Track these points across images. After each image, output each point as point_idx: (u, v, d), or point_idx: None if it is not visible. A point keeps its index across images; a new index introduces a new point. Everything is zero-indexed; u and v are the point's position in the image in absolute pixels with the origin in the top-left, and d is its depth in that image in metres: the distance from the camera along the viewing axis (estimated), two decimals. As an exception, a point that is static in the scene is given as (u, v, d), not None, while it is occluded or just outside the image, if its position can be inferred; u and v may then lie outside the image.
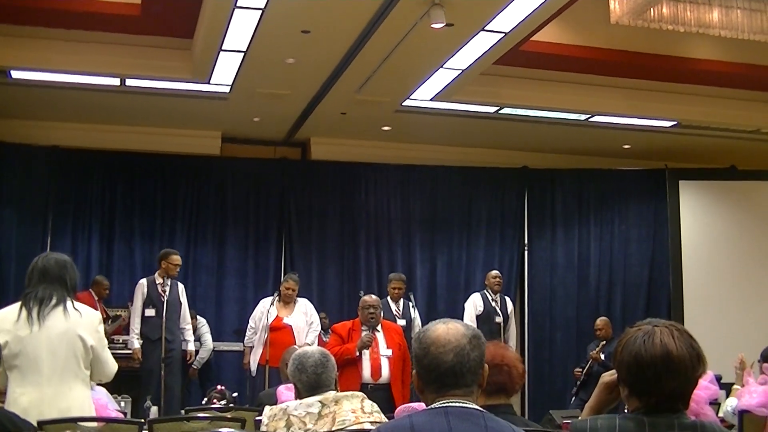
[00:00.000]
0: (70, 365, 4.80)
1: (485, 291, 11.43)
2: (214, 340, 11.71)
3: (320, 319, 10.82)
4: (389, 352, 8.85)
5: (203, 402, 9.40)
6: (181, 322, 10.22)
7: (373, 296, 9.16)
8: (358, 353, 8.56)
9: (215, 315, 12.16)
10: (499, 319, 11.14)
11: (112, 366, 5.03)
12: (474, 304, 11.32)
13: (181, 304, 10.21)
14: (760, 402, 6.24)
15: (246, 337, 10.41)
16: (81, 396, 4.86)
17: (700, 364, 2.69)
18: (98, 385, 5.76)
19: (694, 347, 2.70)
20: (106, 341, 5.04)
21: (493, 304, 11.29)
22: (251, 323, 10.31)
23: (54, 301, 4.85)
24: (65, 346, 4.79)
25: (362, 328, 8.74)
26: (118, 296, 11.60)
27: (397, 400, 8.61)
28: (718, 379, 6.81)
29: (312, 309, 10.38)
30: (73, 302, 4.92)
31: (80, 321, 4.87)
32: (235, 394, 9.73)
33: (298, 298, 10.30)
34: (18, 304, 4.88)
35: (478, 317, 11.00)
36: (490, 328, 10.67)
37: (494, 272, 11.61)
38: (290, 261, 12.96)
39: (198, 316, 11.66)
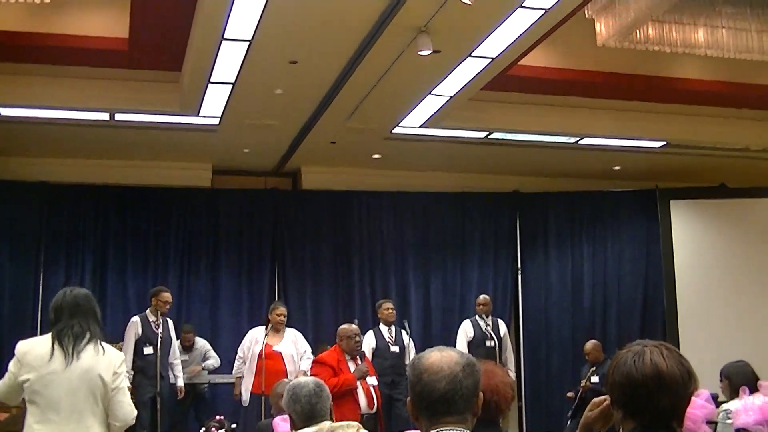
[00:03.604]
0: (89, 405, 4.77)
1: (475, 317, 11.44)
2: (209, 373, 11.69)
3: (323, 349, 10.83)
4: (375, 381, 8.90)
5: (201, 432, 9.42)
6: (170, 357, 10.35)
7: (353, 325, 9.17)
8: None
9: (210, 345, 12.11)
10: (491, 343, 11.13)
11: (129, 409, 4.94)
12: (465, 331, 11.35)
13: (171, 340, 10.34)
14: (757, 419, 6.22)
15: (235, 368, 10.48)
16: None
17: (691, 380, 2.70)
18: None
19: (684, 364, 2.71)
20: (125, 383, 4.99)
21: (484, 328, 11.29)
22: (239, 353, 10.40)
23: (88, 336, 4.83)
24: (85, 385, 4.75)
25: (346, 358, 8.77)
26: (113, 330, 11.56)
27: (382, 427, 8.68)
28: (714, 398, 6.79)
29: (302, 337, 10.45)
30: (102, 341, 4.90)
31: (102, 361, 4.84)
32: (234, 426, 9.70)
33: (287, 328, 10.34)
34: (47, 338, 4.82)
35: (469, 343, 10.99)
36: (484, 353, 10.66)
37: (482, 297, 11.64)
38: (284, 290, 12.96)
39: (197, 337, 11.71)
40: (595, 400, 3.02)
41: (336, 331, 12.31)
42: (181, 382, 10.54)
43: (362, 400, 8.66)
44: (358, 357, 8.90)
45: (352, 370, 8.72)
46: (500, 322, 11.61)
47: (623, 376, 2.71)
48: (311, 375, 8.54)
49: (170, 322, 10.43)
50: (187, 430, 11.11)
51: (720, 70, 10.37)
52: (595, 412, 3.02)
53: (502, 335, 11.40)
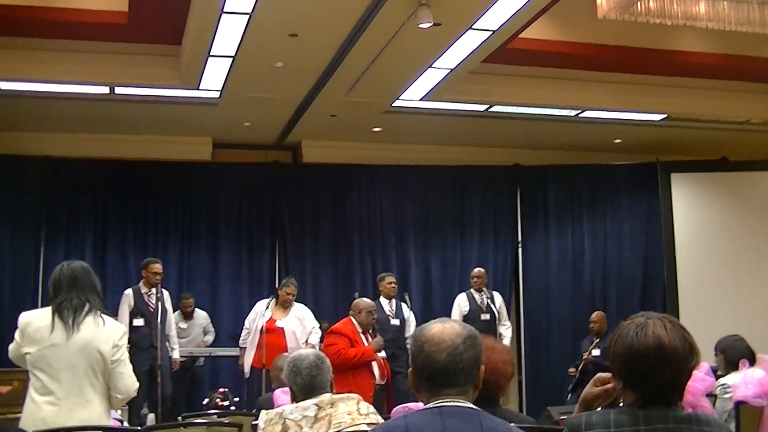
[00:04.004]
0: (89, 378, 4.81)
1: (470, 290, 11.43)
2: (209, 346, 11.73)
3: (321, 326, 10.90)
4: (383, 354, 9.07)
5: (204, 403, 9.49)
6: (166, 328, 10.26)
7: (367, 299, 9.33)
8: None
9: (210, 321, 12.11)
10: (485, 317, 11.10)
11: (130, 381, 4.98)
12: (459, 305, 11.33)
13: (167, 311, 10.25)
14: (756, 393, 6.24)
15: (240, 338, 10.55)
16: (99, 408, 4.86)
17: (692, 354, 2.71)
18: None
19: (687, 338, 2.72)
20: (126, 356, 5.00)
21: (479, 302, 11.27)
22: (246, 324, 10.46)
23: (87, 307, 4.86)
24: (85, 358, 4.79)
25: (359, 330, 8.96)
26: (113, 306, 11.58)
27: (390, 398, 8.84)
28: (714, 371, 6.81)
29: (309, 314, 10.43)
30: (101, 312, 4.93)
31: (102, 333, 4.87)
32: (236, 399, 9.77)
33: (295, 303, 10.36)
34: (48, 311, 4.86)
35: (464, 317, 10.97)
36: (480, 327, 10.61)
37: (476, 270, 11.60)
38: (284, 265, 12.96)
39: (199, 310, 11.78)
40: (600, 375, 3.02)
41: (335, 305, 12.53)
42: (176, 354, 10.48)
43: (377, 372, 8.91)
44: (369, 331, 9.09)
45: (365, 344, 8.97)
46: (495, 294, 11.56)
47: (625, 348, 2.71)
48: (327, 344, 8.68)
49: (166, 293, 10.35)
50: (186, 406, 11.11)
51: (721, 42, 10.34)
52: (597, 390, 3.02)
53: (498, 308, 11.36)
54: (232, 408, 9.18)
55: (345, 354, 8.75)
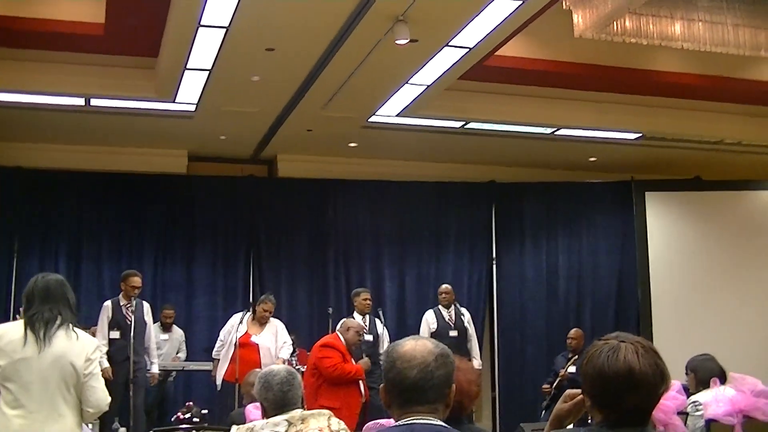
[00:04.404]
0: (60, 391, 4.78)
1: (438, 306, 11.38)
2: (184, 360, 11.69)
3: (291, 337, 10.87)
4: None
5: (172, 419, 9.45)
6: (145, 341, 10.17)
7: (355, 320, 9.49)
8: None
9: (185, 333, 12.06)
10: (453, 333, 11.03)
11: (102, 395, 4.94)
12: (427, 322, 11.27)
13: (146, 324, 10.17)
14: (727, 411, 6.26)
15: (215, 349, 10.47)
16: (70, 422, 4.82)
17: (663, 382, 2.70)
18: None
19: (659, 365, 2.71)
20: (98, 370, 4.98)
21: (447, 318, 11.24)
22: (221, 336, 10.42)
23: (59, 321, 4.83)
24: (57, 372, 4.76)
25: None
26: (87, 318, 11.51)
27: (365, 414, 8.94)
28: (686, 389, 6.83)
29: (283, 329, 10.42)
30: (74, 325, 4.90)
31: (75, 347, 4.84)
32: (204, 411, 9.71)
33: (272, 318, 10.33)
34: (20, 324, 4.84)
35: (432, 334, 10.88)
36: (447, 344, 10.55)
37: (444, 286, 11.55)
38: (259, 278, 12.94)
39: (175, 326, 11.76)
40: (569, 392, 3.02)
41: (310, 320, 12.57)
42: (155, 369, 10.38)
43: (362, 389, 9.19)
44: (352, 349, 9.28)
45: (353, 362, 9.17)
46: (463, 311, 11.46)
47: (595, 370, 2.71)
48: (321, 356, 8.72)
49: (146, 306, 10.29)
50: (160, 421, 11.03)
51: (697, 63, 10.40)
52: (567, 405, 3.02)
53: (465, 324, 11.32)
54: (195, 420, 9.13)
55: (342, 369, 8.82)
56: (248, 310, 10.36)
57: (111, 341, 9.88)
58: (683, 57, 10.17)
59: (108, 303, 10.16)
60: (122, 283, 10.19)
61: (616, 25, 8.48)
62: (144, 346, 10.12)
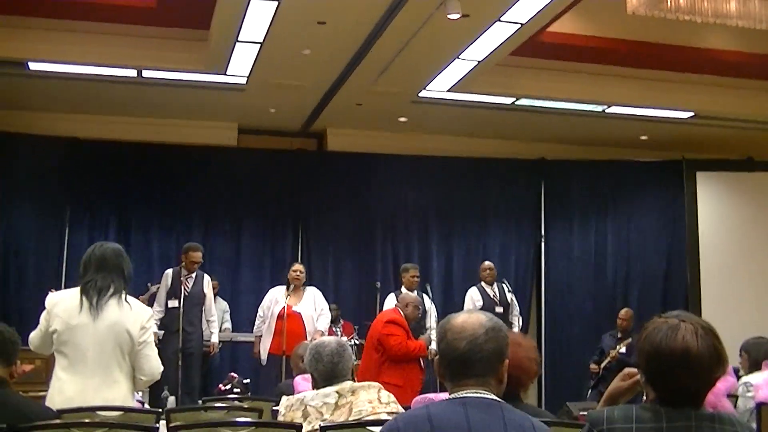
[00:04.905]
0: (116, 358, 4.86)
1: (481, 283, 11.32)
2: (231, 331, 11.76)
3: (332, 310, 10.89)
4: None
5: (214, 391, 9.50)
6: (206, 314, 10.26)
7: (411, 293, 9.44)
8: None
9: (231, 306, 12.14)
10: (499, 309, 10.95)
11: (155, 363, 5.04)
12: (472, 299, 11.21)
13: (205, 296, 10.23)
14: (777, 394, 6.23)
15: (255, 327, 10.52)
16: (124, 388, 4.91)
17: (719, 365, 2.68)
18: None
19: (717, 348, 2.68)
20: (152, 338, 5.07)
21: (492, 295, 11.20)
22: (260, 312, 10.43)
23: (111, 290, 4.91)
24: (113, 338, 4.84)
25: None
26: (136, 288, 11.62)
27: None
28: (736, 371, 6.80)
29: (320, 296, 10.45)
30: (126, 294, 4.98)
31: (129, 315, 4.93)
32: (246, 381, 9.76)
33: (307, 287, 10.36)
34: (77, 291, 4.92)
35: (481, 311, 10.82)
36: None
37: (486, 263, 11.46)
38: (306, 252, 12.98)
39: (220, 298, 11.77)
40: (627, 370, 3.02)
41: (357, 294, 12.60)
42: (215, 338, 10.45)
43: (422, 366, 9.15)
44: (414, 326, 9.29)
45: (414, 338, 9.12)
46: (505, 287, 11.39)
47: (652, 347, 2.70)
48: (386, 333, 8.69)
49: (207, 278, 10.34)
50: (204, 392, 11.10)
51: (750, 41, 10.26)
52: (626, 384, 3.03)
53: (509, 300, 11.27)
54: (236, 391, 9.17)
55: (406, 346, 8.78)
56: (286, 284, 10.38)
57: (168, 310, 10.00)
58: (737, 35, 10.03)
59: (169, 271, 10.26)
60: (183, 255, 10.24)
61: (670, 1, 8.39)
62: (202, 319, 10.19)
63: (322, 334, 9.72)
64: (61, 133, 12.04)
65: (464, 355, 2.85)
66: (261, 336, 10.30)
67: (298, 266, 10.39)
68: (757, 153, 13.37)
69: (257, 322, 10.48)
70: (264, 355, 10.19)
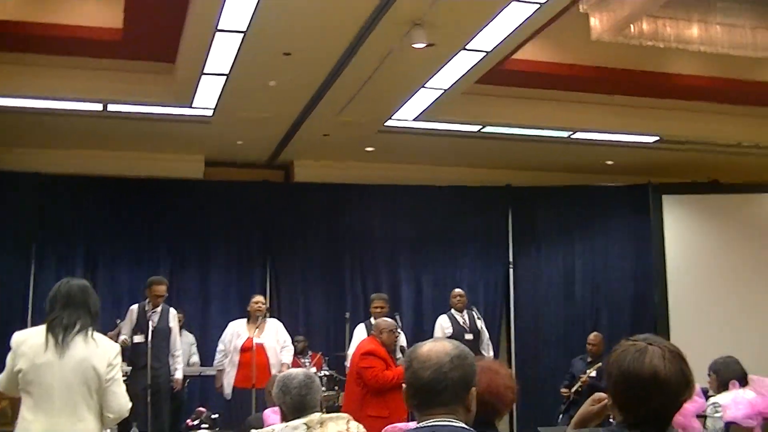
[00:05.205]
0: (83, 396, 4.79)
1: (451, 311, 11.25)
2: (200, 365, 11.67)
3: (299, 342, 10.87)
4: None
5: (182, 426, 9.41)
6: (171, 349, 10.08)
7: (387, 319, 9.25)
8: None
9: (200, 339, 12.04)
10: (469, 336, 10.94)
11: (123, 400, 4.95)
12: (441, 327, 11.14)
13: (170, 330, 10.08)
14: (746, 413, 6.25)
15: (216, 360, 10.47)
16: (92, 426, 4.83)
17: (687, 389, 2.70)
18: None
19: (684, 371, 2.70)
20: (120, 375, 4.99)
21: (462, 322, 11.17)
22: (220, 346, 10.39)
23: (78, 327, 4.85)
24: (79, 376, 4.77)
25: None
26: (104, 324, 11.50)
27: None
28: (705, 392, 6.81)
29: (282, 328, 10.44)
30: (94, 331, 4.92)
31: (96, 352, 4.86)
32: (215, 416, 9.66)
33: (268, 319, 10.33)
34: (43, 329, 4.85)
35: (448, 339, 10.76)
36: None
37: (457, 290, 11.40)
38: (275, 284, 12.94)
39: (186, 332, 11.65)
40: (597, 395, 3.03)
41: (326, 325, 12.50)
42: (179, 374, 10.20)
43: None
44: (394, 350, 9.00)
45: (395, 365, 8.85)
46: (475, 314, 11.31)
47: (620, 370, 2.71)
48: (363, 366, 8.56)
49: (172, 312, 10.17)
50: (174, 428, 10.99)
51: (714, 65, 10.37)
52: (595, 408, 3.03)
53: (479, 328, 11.25)
54: (205, 426, 9.08)
55: (384, 377, 8.64)
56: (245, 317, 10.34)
57: (134, 345, 9.86)
58: (700, 60, 10.14)
59: (134, 307, 10.11)
60: (147, 289, 10.09)
61: (633, 27, 8.47)
62: (168, 354, 10.04)
63: (288, 366, 9.66)
64: (27, 168, 11.93)
65: (429, 384, 2.83)
66: (223, 370, 10.24)
67: (259, 297, 10.40)
68: (721, 176, 13.47)
69: (218, 356, 10.44)
70: (228, 390, 10.12)
